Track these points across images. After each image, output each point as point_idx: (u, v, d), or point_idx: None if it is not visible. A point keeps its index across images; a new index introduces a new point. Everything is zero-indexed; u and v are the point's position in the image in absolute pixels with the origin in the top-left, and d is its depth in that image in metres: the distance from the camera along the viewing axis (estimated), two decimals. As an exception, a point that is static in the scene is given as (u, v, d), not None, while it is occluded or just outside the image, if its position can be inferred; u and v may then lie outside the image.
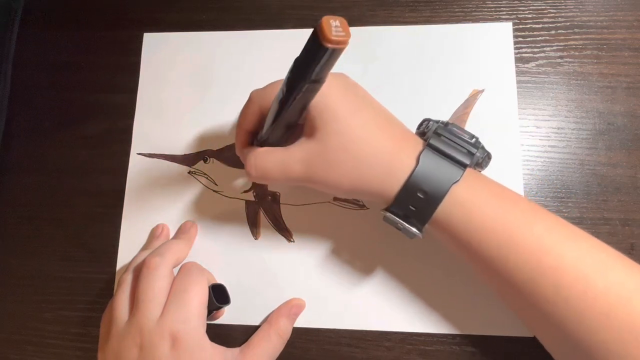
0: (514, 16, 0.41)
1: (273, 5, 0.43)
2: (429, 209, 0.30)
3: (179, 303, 0.32)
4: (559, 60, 0.40)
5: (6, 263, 0.41)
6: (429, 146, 0.30)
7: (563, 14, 0.40)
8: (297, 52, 0.45)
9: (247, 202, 0.40)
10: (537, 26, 0.40)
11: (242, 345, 0.35)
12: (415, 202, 0.30)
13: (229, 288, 0.36)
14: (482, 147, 0.32)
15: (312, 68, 0.25)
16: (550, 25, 0.40)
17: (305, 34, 0.42)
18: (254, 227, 0.39)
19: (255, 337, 0.35)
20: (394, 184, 0.30)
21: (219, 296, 0.34)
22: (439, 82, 0.40)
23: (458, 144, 0.31)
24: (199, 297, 0.32)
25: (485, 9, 0.41)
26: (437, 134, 0.31)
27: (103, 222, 0.40)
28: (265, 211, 0.39)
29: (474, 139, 0.31)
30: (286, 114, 0.29)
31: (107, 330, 0.33)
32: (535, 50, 0.40)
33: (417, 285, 0.37)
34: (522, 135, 0.38)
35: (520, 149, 0.38)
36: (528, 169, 0.38)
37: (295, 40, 0.42)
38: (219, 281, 0.37)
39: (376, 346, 0.36)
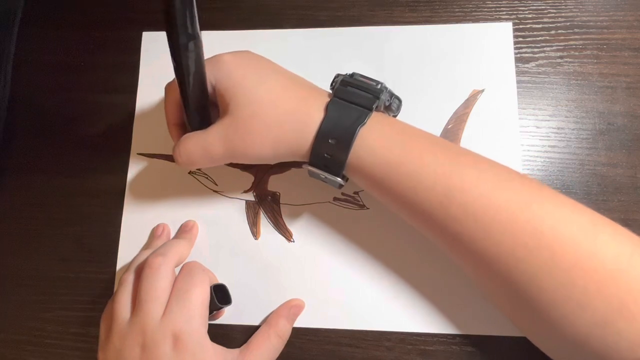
0: (514, 16, 0.41)
1: (273, 5, 0.43)
2: (342, 154, 0.31)
3: (181, 303, 0.32)
4: (559, 60, 0.40)
5: (6, 263, 0.41)
6: (335, 96, 0.32)
7: (563, 14, 0.40)
8: (297, 52, 0.45)
9: (247, 202, 0.40)
10: (537, 26, 0.40)
11: (242, 346, 0.35)
12: (329, 150, 0.31)
13: (228, 288, 0.36)
14: (389, 91, 0.33)
15: (177, 23, 0.26)
16: (550, 25, 0.40)
17: (305, 34, 0.42)
18: (254, 227, 0.39)
19: (255, 338, 0.35)
20: (308, 137, 0.32)
21: (220, 296, 0.34)
22: (439, 82, 0.40)
23: (363, 90, 0.32)
24: (201, 297, 0.32)
25: (485, 9, 0.41)
26: (343, 84, 0.33)
27: (103, 222, 0.40)
28: (265, 211, 0.39)
29: (379, 85, 0.33)
30: (186, 83, 0.30)
31: (108, 330, 0.33)
32: (535, 50, 0.40)
33: (417, 285, 0.37)
34: (522, 135, 0.38)
35: (520, 149, 0.38)
36: (528, 169, 0.38)
37: (295, 40, 0.42)
38: (219, 281, 0.37)
39: (376, 346, 0.36)
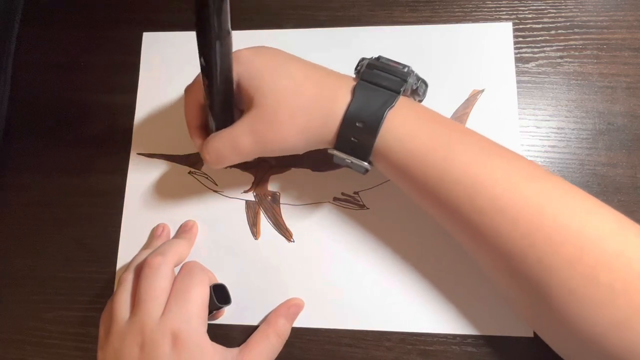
0: (514, 16, 0.41)
1: (273, 5, 0.43)
2: (369, 138, 0.31)
3: (181, 302, 0.32)
4: (559, 60, 0.40)
5: (6, 263, 0.41)
6: (362, 79, 0.32)
7: (563, 14, 0.40)
8: (297, 52, 0.45)
9: (247, 202, 0.40)
10: (537, 26, 0.40)
11: (241, 346, 0.35)
12: (356, 133, 0.31)
13: (228, 288, 0.36)
14: (416, 75, 0.33)
15: (212, 19, 0.26)
16: (550, 25, 0.40)
17: (305, 34, 0.42)
18: (254, 227, 0.39)
19: (254, 338, 0.35)
20: (335, 121, 0.31)
21: (219, 296, 0.34)
22: (439, 82, 0.40)
23: (390, 73, 0.32)
24: (201, 297, 0.32)
25: (485, 9, 0.41)
26: (369, 67, 0.32)
27: (103, 222, 0.40)
28: (265, 211, 0.39)
29: (406, 68, 0.32)
30: (214, 81, 0.30)
31: (107, 329, 0.33)
32: (535, 50, 0.40)
33: (417, 285, 0.37)
34: (522, 135, 0.38)
35: (521, 149, 0.38)
36: (528, 169, 0.38)
37: (295, 40, 0.42)
38: (218, 281, 0.37)
39: (376, 346, 0.36)
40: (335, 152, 0.32)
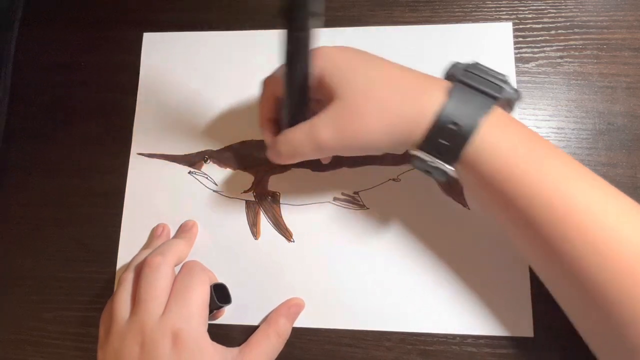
0: (514, 16, 0.41)
1: (273, 5, 0.43)
2: (461, 141, 0.29)
3: (181, 302, 0.32)
4: (559, 60, 0.40)
5: (6, 263, 0.41)
6: (458, 81, 0.30)
7: (563, 14, 0.40)
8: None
9: (247, 202, 0.40)
10: (537, 26, 0.40)
11: (242, 345, 0.35)
12: (447, 136, 0.29)
13: (228, 288, 0.36)
14: (510, 84, 0.31)
15: (299, 10, 0.25)
16: (550, 25, 0.40)
17: (305, 34, 0.42)
18: (254, 227, 0.39)
19: (255, 337, 0.35)
20: (424, 121, 0.29)
21: (220, 296, 0.34)
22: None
23: (487, 79, 0.30)
24: (201, 296, 0.32)
25: (485, 9, 0.41)
26: (466, 70, 0.31)
27: (103, 222, 0.40)
28: (265, 211, 0.39)
29: (503, 76, 0.31)
30: (296, 73, 0.29)
31: (107, 329, 0.33)
32: (535, 50, 0.40)
33: (417, 285, 0.37)
34: (522, 135, 0.38)
35: (520, 149, 0.38)
36: (528, 169, 0.38)
37: (295, 40, 0.42)
38: (218, 281, 0.37)
39: (376, 346, 0.36)
40: (419, 153, 0.30)
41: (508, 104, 0.31)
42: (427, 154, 0.30)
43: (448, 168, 0.30)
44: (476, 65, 0.31)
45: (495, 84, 0.30)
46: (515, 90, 0.31)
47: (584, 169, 0.29)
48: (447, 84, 0.31)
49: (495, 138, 0.29)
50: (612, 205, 0.28)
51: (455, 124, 0.29)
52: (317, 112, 0.32)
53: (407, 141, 0.30)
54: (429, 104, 0.29)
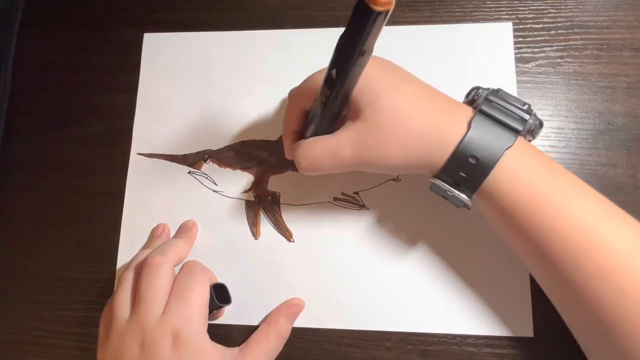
0: (514, 16, 0.41)
1: (273, 5, 0.43)
2: (480, 175, 0.29)
3: (181, 302, 0.32)
4: (559, 60, 0.40)
5: (6, 263, 0.41)
6: (480, 112, 0.30)
7: (563, 14, 0.40)
8: (297, 52, 0.45)
9: (247, 202, 0.40)
10: (537, 26, 0.40)
11: (242, 345, 0.35)
12: (466, 169, 0.29)
13: (228, 288, 0.36)
14: (534, 114, 0.31)
15: (363, 37, 0.24)
16: (550, 25, 0.40)
17: (305, 34, 0.42)
18: (254, 227, 0.39)
19: (255, 337, 0.35)
20: (444, 151, 0.29)
21: (220, 295, 0.35)
22: (439, 82, 0.39)
23: (510, 110, 0.30)
24: (201, 296, 0.32)
25: (485, 9, 0.41)
26: (488, 100, 0.31)
27: (103, 222, 0.40)
28: (265, 211, 0.39)
29: (526, 105, 0.30)
30: (339, 95, 0.29)
31: (107, 329, 0.33)
32: (535, 50, 0.40)
33: (417, 285, 0.37)
34: (522, 135, 0.38)
35: (520, 149, 0.38)
36: (528, 169, 0.38)
37: (295, 40, 0.42)
38: (218, 281, 0.37)
39: (376, 346, 0.36)
40: (438, 182, 0.31)
41: (530, 133, 0.31)
42: (445, 184, 0.30)
43: (465, 199, 0.30)
44: (498, 93, 0.31)
45: (519, 115, 0.30)
46: (539, 121, 0.31)
47: (602, 199, 0.29)
48: (469, 112, 0.30)
49: (514, 171, 0.29)
50: (630, 237, 0.28)
51: (475, 157, 0.29)
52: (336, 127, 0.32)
53: (425, 167, 0.31)
54: (450, 135, 0.29)
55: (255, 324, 0.37)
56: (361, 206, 0.38)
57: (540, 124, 0.31)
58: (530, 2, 0.41)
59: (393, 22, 0.42)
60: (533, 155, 0.30)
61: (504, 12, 0.41)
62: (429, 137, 0.30)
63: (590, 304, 0.28)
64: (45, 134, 0.43)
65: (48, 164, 0.42)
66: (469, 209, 0.31)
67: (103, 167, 0.42)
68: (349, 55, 0.26)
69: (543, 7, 0.41)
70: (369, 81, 0.30)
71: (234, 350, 0.34)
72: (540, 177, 0.29)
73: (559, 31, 0.40)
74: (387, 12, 0.23)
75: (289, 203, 0.39)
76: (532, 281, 0.36)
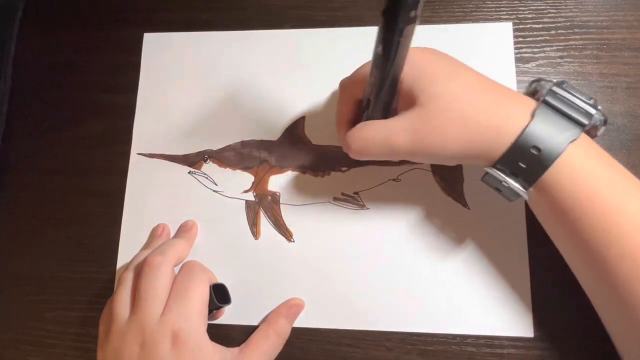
0: (514, 16, 0.41)
1: (273, 5, 0.43)
2: (540, 167, 0.28)
3: (181, 302, 0.32)
4: (559, 60, 0.40)
5: (6, 263, 0.41)
6: (544, 103, 0.29)
7: (563, 14, 0.40)
8: (297, 52, 0.45)
9: (247, 202, 0.40)
10: (537, 26, 0.40)
11: (241, 345, 0.35)
12: (527, 159, 0.28)
13: (228, 288, 0.36)
14: (600, 110, 0.30)
15: (405, 6, 0.24)
16: (550, 25, 0.40)
17: (305, 34, 0.42)
18: (254, 227, 0.39)
19: (254, 337, 0.35)
20: (504, 140, 0.29)
21: (219, 296, 0.35)
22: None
23: (575, 104, 0.29)
24: (201, 296, 0.32)
25: (485, 9, 0.41)
26: (552, 91, 0.30)
27: (103, 222, 0.40)
28: (265, 211, 0.39)
29: (592, 100, 0.30)
30: (388, 75, 0.28)
31: (107, 328, 0.33)
32: (535, 50, 0.40)
33: (417, 285, 0.37)
34: (522, 135, 0.38)
35: (520, 149, 0.38)
36: (528, 169, 0.38)
37: (295, 40, 0.42)
38: (218, 281, 0.37)
39: (376, 346, 0.36)
40: (494, 172, 0.29)
41: (594, 129, 0.30)
42: (502, 174, 0.29)
43: (521, 191, 0.29)
44: (563, 85, 0.30)
45: (584, 109, 0.29)
46: (605, 117, 0.30)
47: None
48: (531, 103, 0.30)
49: (576, 167, 0.28)
50: None
51: (537, 148, 0.28)
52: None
53: (483, 157, 0.30)
54: (511, 124, 0.29)
55: (255, 324, 0.37)
56: (361, 206, 0.38)
57: (605, 121, 0.30)
58: (530, 2, 0.41)
59: (393, 22, 0.42)
60: (596, 152, 0.29)
61: (504, 12, 0.41)
62: (488, 125, 0.29)
63: (635, 306, 0.27)
64: (45, 134, 0.43)
65: (48, 164, 0.42)
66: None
67: (103, 167, 0.42)
68: (393, 27, 0.25)
69: (543, 7, 0.41)
70: (421, 68, 0.30)
71: (234, 350, 0.34)
72: (601, 175, 0.28)
73: (559, 31, 0.40)
74: None
75: (289, 203, 0.39)
76: (532, 281, 0.36)
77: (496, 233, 0.37)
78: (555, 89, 0.30)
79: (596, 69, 0.39)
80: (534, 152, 0.28)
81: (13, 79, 0.45)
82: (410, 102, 0.30)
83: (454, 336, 0.36)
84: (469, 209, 0.37)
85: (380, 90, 0.29)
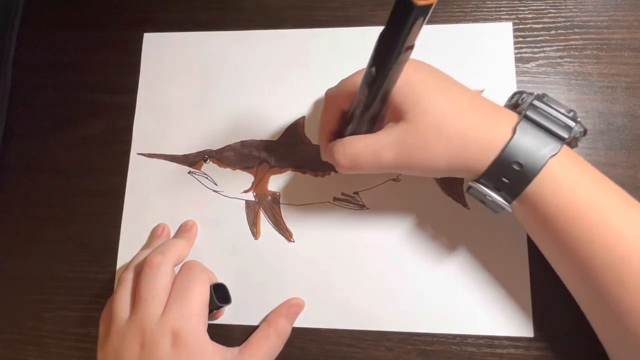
0: (514, 16, 0.41)
1: (273, 5, 0.43)
2: (522, 182, 0.29)
3: (181, 302, 0.32)
4: (559, 60, 0.40)
5: (6, 263, 0.41)
6: (525, 118, 0.30)
7: (563, 14, 0.40)
8: (297, 52, 0.45)
9: (247, 202, 0.40)
10: (537, 26, 0.40)
11: (242, 345, 0.35)
12: (509, 174, 0.29)
13: (228, 288, 0.36)
14: (579, 122, 0.30)
15: (404, 33, 0.24)
16: (550, 25, 0.40)
17: (305, 34, 0.42)
18: (254, 227, 0.39)
19: (255, 337, 0.35)
20: (488, 155, 0.29)
21: (220, 295, 0.35)
22: (439, 82, 0.40)
23: (555, 117, 0.30)
24: (201, 296, 0.32)
25: (485, 9, 0.41)
26: (533, 105, 0.30)
27: (103, 222, 0.40)
28: (265, 211, 0.39)
29: (571, 112, 0.30)
30: (378, 94, 0.28)
31: (107, 328, 0.33)
32: (535, 50, 0.40)
33: (417, 285, 0.37)
34: (522, 135, 0.38)
35: (520, 149, 0.38)
36: (528, 169, 0.38)
37: (295, 40, 0.42)
38: (218, 281, 0.37)
39: (376, 346, 0.36)
40: (478, 186, 0.30)
41: (574, 140, 0.31)
42: (485, 188, 0.30)
43: (505, 204, 0.30)
44: (543, 99, 0.31)
45: (564, 123, 0.30)
46: (584, 128, 0.31)
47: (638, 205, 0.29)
48: (514, 117, 0.30)
49: (558, 179, 0.29)
50: None
51: (519, 164, 0.28)
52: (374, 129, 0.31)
53: (468, 171, 0.30)
54: (495, 140, 0.29)
55: (255, 324, 0.37)
56: (361, 206, 0.38)
57: (584, 132, 0.31)
58: (530, 2, 0.41)
59: (393, 22, 0.42)
60: (578, 164, 0.30)
61: (504, 12, 0.41)
62: (474, 140, 0.30)
63: (624, 315, 0.28)
64: (45, 134, 0.43)
65: (48, 164, 0.42)
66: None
67: (103, 167, 0.42)
68: (390, 53, 0.25)
69: (543, 7, 0.41)
70: (411, 83, 0.30)
71: (234, 350, 0.34)
72: (584, 187, 0.29)
73: (559, 31, 0.40)
74: (430, 6, 0.23)
75: (289, 203, 0.39)
76: (532, 281, 0.36)
77: (496, 233, 0.37)
78: (536, 102, 0.30)
79: (596, 69, 0.39)
80: (516, 167, 0.29)
81: (13, 79, 0.45)
82: (398, 116, 0.31)
83: (454, 336, 0.36)
84: (468, 209, 0.37)
85: (368, 107, 0.30)
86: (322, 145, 0.35)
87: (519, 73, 0.39)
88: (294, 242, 0.39)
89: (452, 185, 0.38)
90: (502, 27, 0.40)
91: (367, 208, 0.38)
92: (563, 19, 0.40)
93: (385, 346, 0.36)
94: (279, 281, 0.38)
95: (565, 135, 0.29)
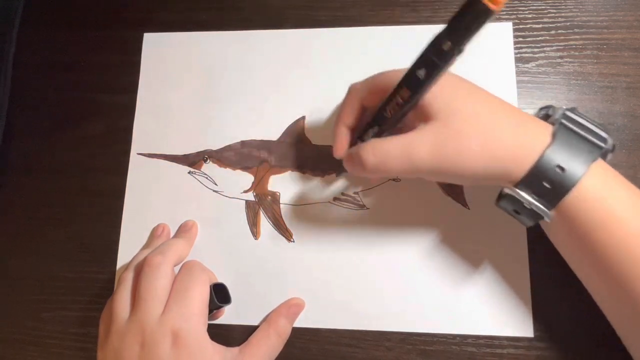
0: (514, 16, 0.41)
1: (273, 5, 0.43)
2: (564, 187, 0.28)
3: (181, 302, 0.32)
4: (559, 60, 0.40)
5: (6, 263, 0.41)
6: (561, 125, 0.29)
7: (563, 14, 0.40)
8: (297, 52, 0.45)
9: (247, 202, 0.40)
10: (537, 26, 0.40)
11: (242, 345, 0.35)
12: (551, 179, 0.28)
13: (228, 288, 0.36)
14: (610, 135, 0.30)
15: (469, 36, 0.24)
16: (550, 25, 0.40)
17: (305, 34, 0.42)
18: (254, 227, 0.39)
19: (255, 337, 0.35)
20: (526, 159, 0.28)
21: (220, 295, 0.35)
22: (439, 82, 0.40)
23: (589, 128, 0.30)
24: (201, 296, 0.32)
25: (485, 9, 0.41)
26: (566, 115, 0.30)
27: (103, 222, 0.40)
28: (265, 211, 0.39)
29: (602, 125, 0.30)
30: (420, 98, 0.28)
31: (107, 328, 0.33)
32: (535, 50, 0.40)
33: (417, 285, 0.37)
34: (522, 135, 0.38)
35: (520, 149, 0.38)
36: (528, 169, 0.38)
37: (295, 40, 0.42)
38: (218, 281, 0.37)
39: (376, 346, 0.36)
40: (516, 192, 0.29)
41: (605, 153, 0.30)
42: (525, 194, 0.29)
43: (544, 211, 0.29)
44: (575, 111, 0.30)
45: (598, 133, 0.29)
46: (613, 143, 0.30)
47: None
48: (548, 125, 0.30)
49: (598, 188, 0.28)
50: None
51: (560, 167, 0.28)
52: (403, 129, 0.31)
53: (504, 176, 0.29)
54: (534, 142, 0.29)
55: (255, 324, 0.37)
56: (361, 206, 0.38)
57: (613, 147, 0.31)
58: (530, 2, 0.41)
59: (393, 22, 0.42)
60: (615, 176, 0.29)
61: (504, 12, 0.41)
62: (509, 143, 0.29)
63: None
64: (45, 134, 0.43)
65: (48, 164, 0.42)
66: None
67: (103, 167, 0.42)
68: (447, 55, 0.25)
69: (543, 7, 0.41)
70: (442, 84, 0.29)
71: (234, 350, 0.34)
72: (621, 197, 0.28)
73: (559, 31, 0.40)
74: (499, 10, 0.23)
75: (289, 203, 0.39)
76: (532, 281, 0.36)
77: (496, 233, 0.37)
78: (569, 113, 0.30)
79: (596, 69, 0.39)
80: (559, 171, 0.28)
81: (13, 79, 0.45)
82: (427, 117, 0.30)
83: (454, 336, 0.36)
84: (468, 209, 0.37)
85: (405, 111, 0.29)
86: (336, 140, 0.34)
87: (519, 73, 0.39)
88: (294, 242, 0.39)
89: (452, 185, 0.38)
90: (502, 27, 0.40)
91: (367, 208, 0.38)
92: (563, 19, 0.40)
93: (385, 346, 0.36)
94: (279, 281, 0.38)
95: (602, 144, 0.29)
